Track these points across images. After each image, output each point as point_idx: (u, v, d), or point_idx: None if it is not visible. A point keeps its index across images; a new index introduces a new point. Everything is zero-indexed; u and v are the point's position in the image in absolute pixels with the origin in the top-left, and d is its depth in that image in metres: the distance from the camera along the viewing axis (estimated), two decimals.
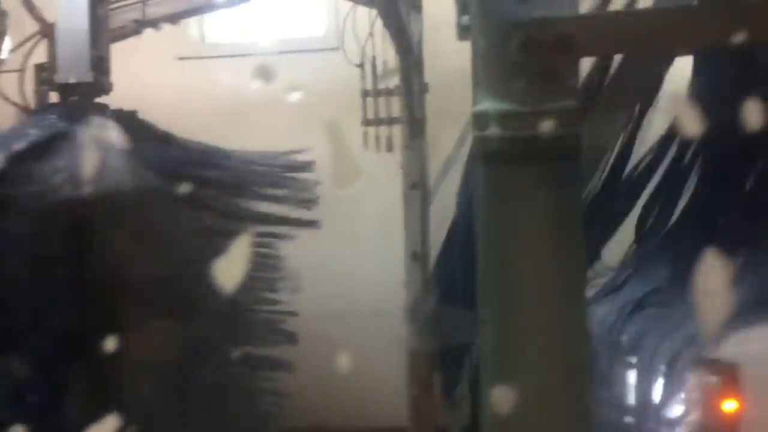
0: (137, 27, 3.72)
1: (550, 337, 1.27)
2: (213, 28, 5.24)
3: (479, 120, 1.27)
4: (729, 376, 2.54)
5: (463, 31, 1.38)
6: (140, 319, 2.56)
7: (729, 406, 2.53)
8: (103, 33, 2.73)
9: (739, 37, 1.15)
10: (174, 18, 3.92)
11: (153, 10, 3.79)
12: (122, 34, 3.61)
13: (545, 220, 1.26)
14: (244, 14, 5.06)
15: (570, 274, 1.25)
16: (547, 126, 1.25)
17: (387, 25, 3.64)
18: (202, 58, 4.94)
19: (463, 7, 1.37)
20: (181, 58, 4.99)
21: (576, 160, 1.26)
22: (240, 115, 4.85)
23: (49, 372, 2.44)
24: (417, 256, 4.51)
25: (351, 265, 5.04)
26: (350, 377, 5.05)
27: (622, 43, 1.30)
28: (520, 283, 1.26)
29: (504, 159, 1.26)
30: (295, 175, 3.14)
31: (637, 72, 1.32)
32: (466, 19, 1.32)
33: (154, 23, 3.80)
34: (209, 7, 4.25)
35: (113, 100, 3.72)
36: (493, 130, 1.25)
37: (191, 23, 5.15)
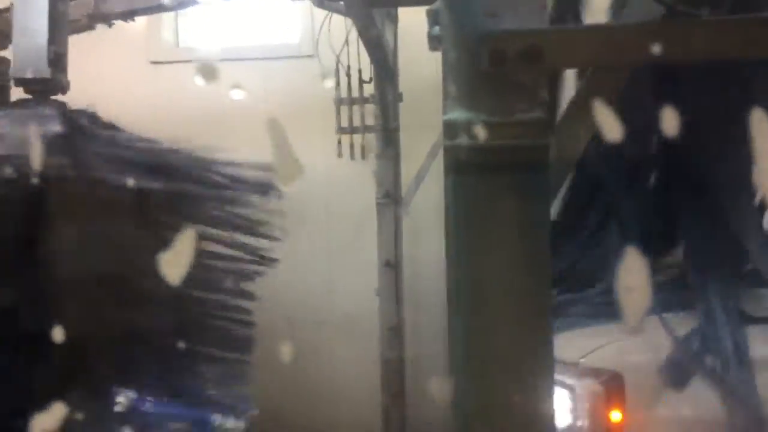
0: (89, 22, 3.67)
1: (516, 345, 1.28)
2: (187, 32, 5.22)
3: (449, 129, 1.28)
4: (614, 385, 2.57)
5: (434, 42, 1.39)
6: (85, 308, 2.53)
7: (615, 416, 2.56)
8: (62, 29, 2.69)
9: (709, 53, 1.18)
10: (128, 15, 3.87)
11: (107, 6, 3.75)
12: (74, 28, 3.55)
13: (513, 230, 1.27)
14: (219, 19, 5.05)
15: (536, 283, 1.27)
16: (515, 137, 1.27)
17: (362, 34, 3.65)
18: (176, 62, 4.91)
19: (434, 18, 1.39)
20: (154, 62, 4.96)
21: (543, 172, 1.27)
22: (212, 120, 4.82)
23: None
24: (390, 264, 4.52)
25: (324, 272, 5.03)
26: (322, 384, 5.06)
27: (590, 57, 1.32)
28: (487, 292, 1.27)
29: (473, 168, 1.27)
30: (256, 188, 3.10)
31: (604, 85, 1.34)
32: (437, 29, 1.33)
33: (107, 18, 3.76)
34: (164, 7, 4.21)
35: (84, 102, 3.70)
36: (463, 140, 1.27)
37: (165, 27, 5.13)
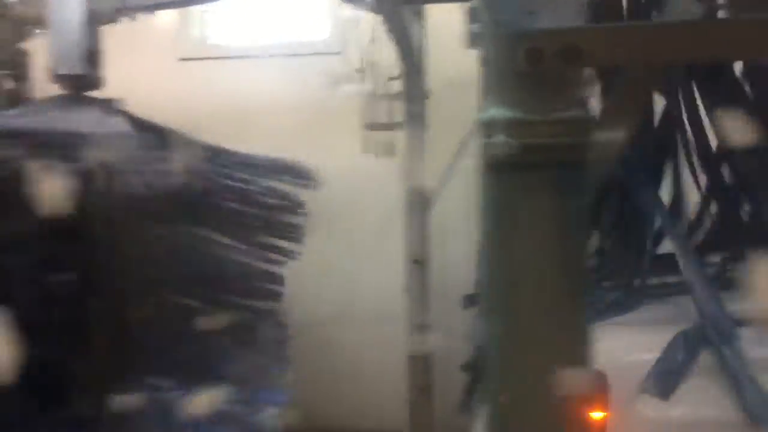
0: (115, 16, 3.70)
1: (552, 341, 1.28)
2: (215, 29, 5.25)
3: (487, 127, 1.28)
4: (599, 385, 2.55)
5: (473, 40, 1.39)
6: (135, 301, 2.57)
7: (597, 415, 2.54)
8: (96, 26, 2.73)
9: (750, 53, 1.17)
10: (154, 9, 3.90)
11: (133, 1, 3.78)
12: (100, 22, 3.58)
13: (549, 228, 1.27)
14: (247, 16, 5.08)
15: (572, 281, 1.27)
16: (552, 135, 1.27)
17: (390, 30, 3.65)
18: (204, 59, 4.95)
19: (472, 15, 1.39)
20: (183, 59, 5.00)
21: (581, 170, 1.27)
22: (240, 116, 4.86)
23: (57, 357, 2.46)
24: (418, 261, 4.52)
25: (350, 269, 5.05)
26: (350, 381, 5.08)
27: (628, 55, 1.32)
28: (522, 290, 1.27)
29: (510, 166, 1.27)
30: (290, 183, 3.13)
31: (641, 83, 1.34)
32: (475, 27, 1.33)
33: (134, 12, 3.78)
34: (189, 1, 4.24)
35: (115, 98, 3.74)
36: (500, 138, 1.27)
37: (193, 24, 5.18)
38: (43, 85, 3.98)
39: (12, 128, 2.50)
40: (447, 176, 4.55)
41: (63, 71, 2.65)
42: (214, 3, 4.52)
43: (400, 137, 4.68)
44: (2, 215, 2.46)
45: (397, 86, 4.62)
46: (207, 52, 5.02)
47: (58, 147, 2.49)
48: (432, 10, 4.39)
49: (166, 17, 5.00)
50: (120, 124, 2.73)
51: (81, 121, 2.55)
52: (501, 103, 1.28)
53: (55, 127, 2.51)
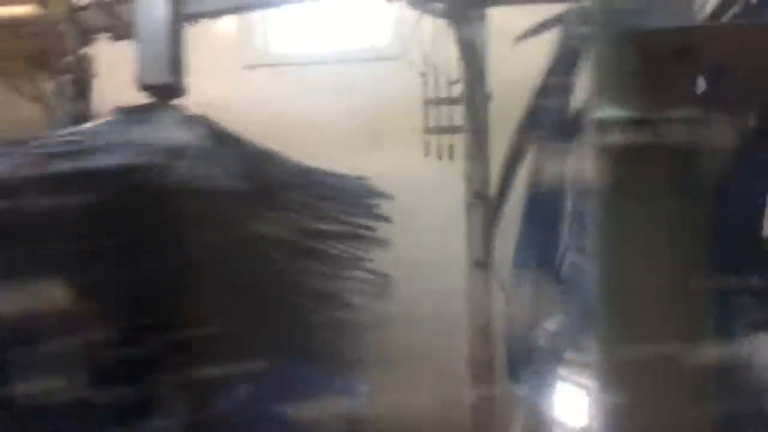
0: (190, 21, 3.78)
1: (668, 334, 1.28)
2: (278, 37, 5.34)
3: (600, 127, 1.30)
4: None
5: (583, 41, 1.41)
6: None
7: None
8: (179, 35, 2.81)
9: None
10: (215, 14, 3.99)
11: (193, 8, 3.86)
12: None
13: (665, 224, 1.28)
14: (308, 24, 5.16)
15: (691, 276, 1.27)
16: (667, 134, 1.28)
17: (456, 34, 3.67)
18: (268, 66, 5.04)
19: (583, 17, 1.41)
20: (247, 67, 5.09)
21: (697, 168, 1.28)
22: (303, 122, 4.93)
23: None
24: (479, 264, 4.53)
25: (411, 272, 5.07)
26: (410, 383, 5.09)
27: (742, 54, 1.32)
28: (641, 291, 1.28)
29: (625, 164, 1.29)
30: (366, 198, 3.18)
31: (755, 81, 1.34)
32: (583, 29, 1.35)
33: (197, 18, 3.87)
34: (249, 7, 4.31)
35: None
36: (615, 136, 1.29)
37: (256, 33, 5.27)
38: (104, 89, 4.12)
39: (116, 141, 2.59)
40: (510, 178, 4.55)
41: (150, 81, 2.73)
42: (277, 8, 4.61)
43: (460, 140, 4.70)
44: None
45: (458, 89, 4.64)
46: (270, 60, 5.10)
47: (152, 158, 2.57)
48: (493, 12, 4.40)
49: (229, 26, 5.10)
50: (205, 138, 2.81)
51: (167, 132, 2.63)
52: (615, 102, 1.29)
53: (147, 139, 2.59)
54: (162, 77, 2.72)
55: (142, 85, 2.77)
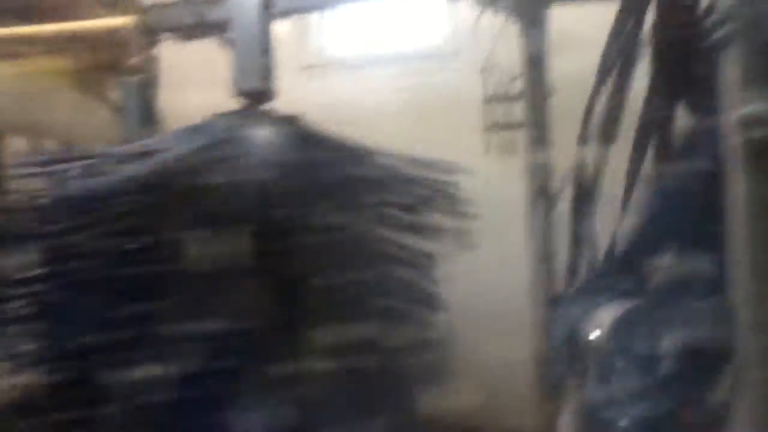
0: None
1: None
2: (334, 38, 5.37)
3: (746, 123, 1.29)
4: None
5: (722, 40, 1.40)
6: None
7: None
8: (270, 42, 2.85)
9: None
10: (288, 13, 4.02)
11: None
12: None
13: None
14: (364, 24, 5.18)
15: None
16: None
17: (523, 31, 3.67)
18: (325, 66, 5.07)
19: (725, 14, 1.40)
20: (304, 67, 5.13)
21: None
22: (363, 122, 4.95)
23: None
24: (542, 260, 4.52)
25: (473, 268, 5.08)
26: (472, 378, 5.10)
27: None
28: None
29: None
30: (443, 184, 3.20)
31: None
32: (724, 25, 1.34)
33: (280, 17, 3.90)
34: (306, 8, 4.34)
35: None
36: (763, 132, 1.28)
37: (312, 34, 5.30)
38: (171, 91, 4.17)
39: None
40: (571, 174, 4.53)
41: (245, 87, 2.78)
42: (334, 10, 4.63)
43: (521, 137, 4.69)
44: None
45: (518, 85, 4.63)
46: (328, 60, 5.13)
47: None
48: (555, 9, 4.38)
49: (285, 28, 5.13)
50: (303, 140, 2.85)
51: (264, 139, 2.67)
52: (762, 98, 1.28)
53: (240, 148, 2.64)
54: (257, 83, 2.77)
55: (239, 91, 2.82)
